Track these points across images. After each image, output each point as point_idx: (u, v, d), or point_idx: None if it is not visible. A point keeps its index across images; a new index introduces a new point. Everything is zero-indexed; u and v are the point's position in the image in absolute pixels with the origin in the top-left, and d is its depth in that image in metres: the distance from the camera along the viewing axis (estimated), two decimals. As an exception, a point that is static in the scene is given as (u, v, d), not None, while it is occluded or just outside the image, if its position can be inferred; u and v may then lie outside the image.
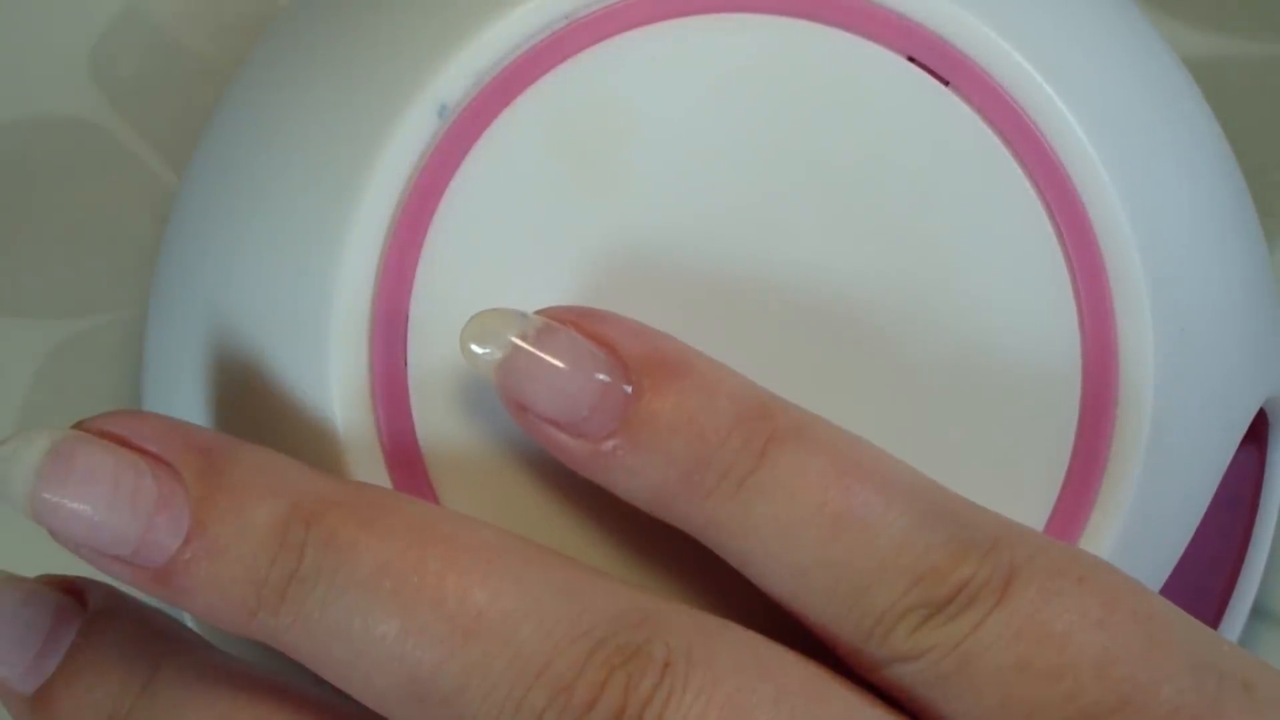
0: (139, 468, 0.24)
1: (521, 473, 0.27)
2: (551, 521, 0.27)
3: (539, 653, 0.23)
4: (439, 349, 0.27)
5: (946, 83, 0.28)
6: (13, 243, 0.34)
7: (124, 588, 0.25)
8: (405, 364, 0.27)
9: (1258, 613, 0.31)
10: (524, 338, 0.25)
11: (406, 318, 0.27)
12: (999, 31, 0.28)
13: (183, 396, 0.30)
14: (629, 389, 0.24)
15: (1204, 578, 0.31)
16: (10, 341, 0.34)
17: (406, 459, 0.27)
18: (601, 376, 0.24)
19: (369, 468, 0.27)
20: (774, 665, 0.23)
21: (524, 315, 0.25)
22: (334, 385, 0.27)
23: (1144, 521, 0.28)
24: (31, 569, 0.27)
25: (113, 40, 0.35)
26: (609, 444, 0.25)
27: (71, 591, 0.26)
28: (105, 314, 0.34)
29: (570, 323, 0.25)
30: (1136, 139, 0.29)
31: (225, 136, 0.31)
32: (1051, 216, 0.28)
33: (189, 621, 0.29)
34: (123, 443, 0.24)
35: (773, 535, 0.24)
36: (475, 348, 0.25)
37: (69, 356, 0.34)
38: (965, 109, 0.28)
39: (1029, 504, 0.28)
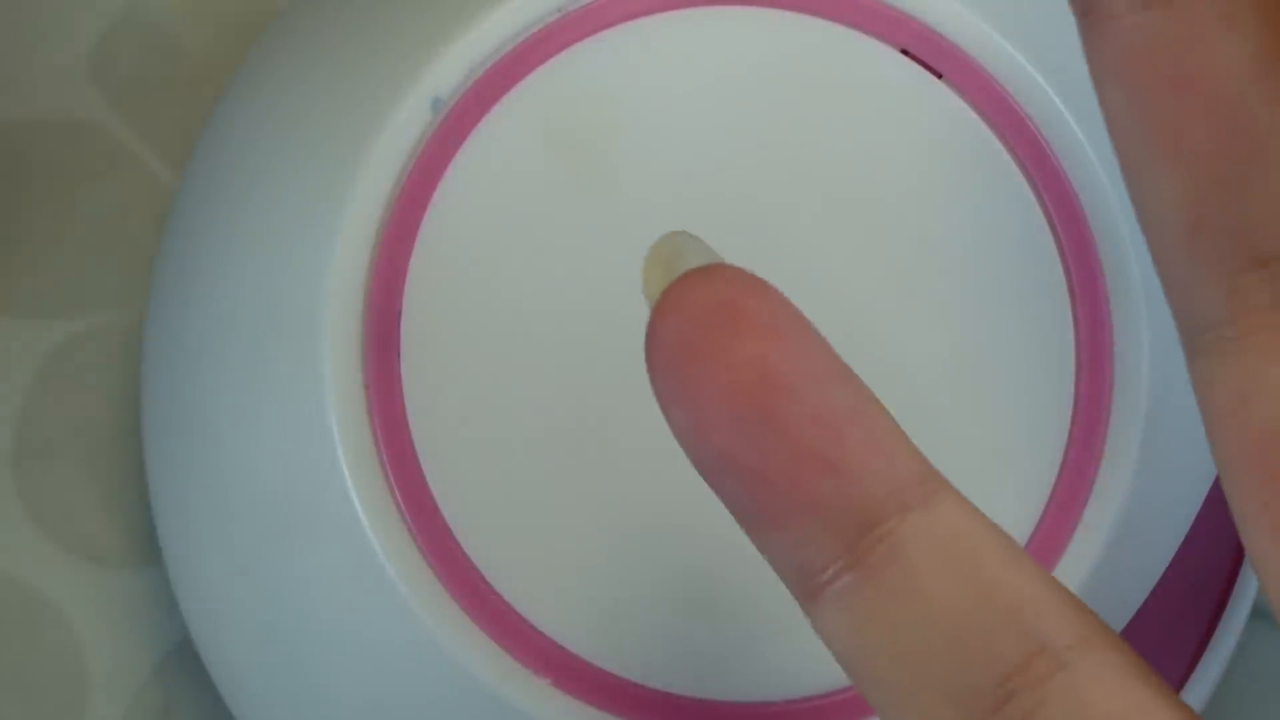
0: None
1: (518, 461, 0.27)
2: (550, 511, 0.27)
3: None
4: (432, 342, 0.27)
5: (940, 75, 0.28)
6: (13, 243, 0.34)
7: None
8: (398, 357, 0.27)
9: (1258, 613, 0.31)
10: None
11: (399, 311, 0.27)
12: (992, 24, 0.28)
13: (182, 395, 0.30)
14: None
15: (1203, 577, 0.31)
16: (10, 341, 0.34)
17: (400, 451, 0.27)
18: None
19: (362, 461, 0.27)
20: None
21: None
22: (327, 380, 0.27)
23: (1139, 515, 0.28)
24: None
25: (113, 40, 0.35)
26: None
27: None
28: (105, 314, 0.34)
29: None
30: (1131, 132, 0.29)
31: (224, 136, 0.31)
32: (1045, 209, 0.28)
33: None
34: None
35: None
36: None
37: (69, 356, 0.34)
38: (959, 102, 0.28)
39: (1024, 499, 0.28)
